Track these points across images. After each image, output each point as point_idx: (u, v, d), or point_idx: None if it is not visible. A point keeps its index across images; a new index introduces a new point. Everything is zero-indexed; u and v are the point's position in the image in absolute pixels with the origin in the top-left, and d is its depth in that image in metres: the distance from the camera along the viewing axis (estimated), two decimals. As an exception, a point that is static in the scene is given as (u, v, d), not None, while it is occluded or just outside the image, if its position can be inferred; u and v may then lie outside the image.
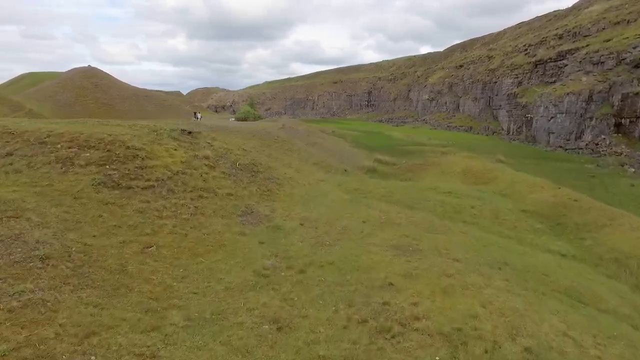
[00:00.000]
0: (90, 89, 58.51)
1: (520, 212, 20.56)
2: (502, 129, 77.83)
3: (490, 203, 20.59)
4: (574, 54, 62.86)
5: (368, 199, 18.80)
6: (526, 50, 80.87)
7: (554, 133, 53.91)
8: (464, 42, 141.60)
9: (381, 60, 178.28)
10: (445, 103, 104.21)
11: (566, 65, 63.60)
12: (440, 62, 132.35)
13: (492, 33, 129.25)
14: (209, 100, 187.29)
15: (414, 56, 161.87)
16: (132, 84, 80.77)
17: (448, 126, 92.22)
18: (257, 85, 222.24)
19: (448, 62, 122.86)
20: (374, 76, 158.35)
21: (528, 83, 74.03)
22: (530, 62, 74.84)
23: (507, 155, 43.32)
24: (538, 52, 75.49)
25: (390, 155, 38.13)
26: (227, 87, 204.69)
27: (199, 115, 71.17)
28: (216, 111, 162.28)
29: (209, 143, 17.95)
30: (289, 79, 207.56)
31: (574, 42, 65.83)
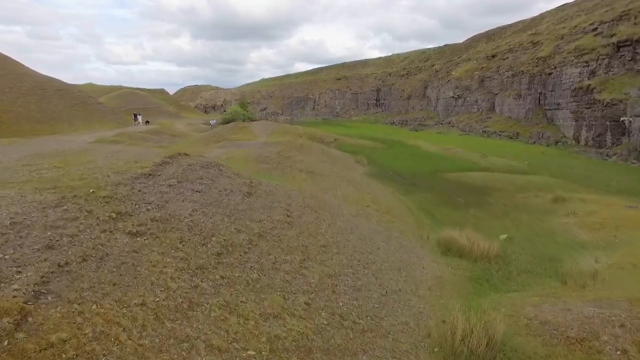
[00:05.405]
0: (-36, 79, 38.25)
1: None
2: (565, 137, 57.03)
3: None
4: (692, 27, 42.32)
5: None
6: (595, 29, 60.01)
7: (693, 148, 33.61)
8: (490, 31, 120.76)
9: (390, 54, 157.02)
10: (476, 101, 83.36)
11: (680, 44, 43.05)
12: (461, 53, 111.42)
13: (525, 19, 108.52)
14: (198, 100, 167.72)
15: (429, 49, 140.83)
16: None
17: (484, 131, 71.49)
18: (253, 83, 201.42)
19: (475, 52, 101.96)
20: (383, 72, 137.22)
21: (607, 73, 53.19)
22: (607, 45, 54.01)
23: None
24: (617, 30, 54.70)
25: (456, 210, 17.55)
26: (231, 87, 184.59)
27: (139, 118, 50.95)
28: (205, 111, 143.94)
29: None
30: (287, 76, 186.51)
31: (686, 11, 45.37)
